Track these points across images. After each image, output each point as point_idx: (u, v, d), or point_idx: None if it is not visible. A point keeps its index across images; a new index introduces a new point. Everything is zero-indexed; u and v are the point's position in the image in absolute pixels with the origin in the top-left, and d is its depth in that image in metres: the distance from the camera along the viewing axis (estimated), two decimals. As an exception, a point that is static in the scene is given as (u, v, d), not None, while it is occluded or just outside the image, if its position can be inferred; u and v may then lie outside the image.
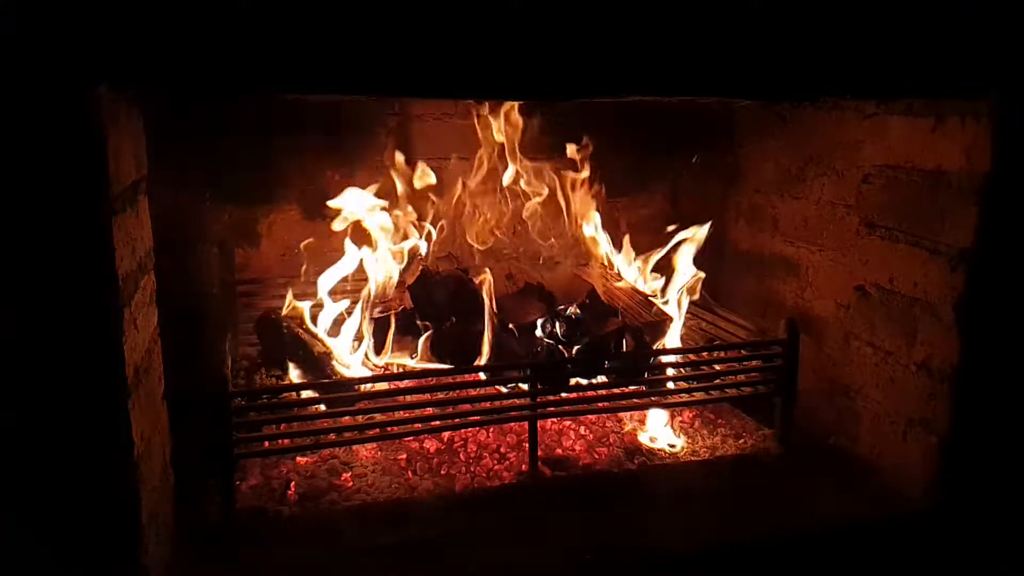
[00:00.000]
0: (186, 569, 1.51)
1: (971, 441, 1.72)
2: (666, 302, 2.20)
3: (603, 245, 2.38)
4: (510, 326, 2.03)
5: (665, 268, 2.31)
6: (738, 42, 1.42)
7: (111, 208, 1.21)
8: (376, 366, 2.07)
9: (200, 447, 1.64)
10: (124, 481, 1.29)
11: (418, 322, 2.04)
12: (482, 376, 1.90)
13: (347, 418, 1.75)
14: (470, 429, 1.97)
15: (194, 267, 1.96)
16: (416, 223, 2.29)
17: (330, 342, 2.05)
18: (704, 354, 2.09)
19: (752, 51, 1.43)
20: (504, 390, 1.91)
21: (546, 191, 2.35)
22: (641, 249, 2.39)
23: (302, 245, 2.18)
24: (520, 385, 1.88)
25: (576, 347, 2.00)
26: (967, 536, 1.73)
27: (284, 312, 2.06)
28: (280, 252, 2.32)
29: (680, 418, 2.20)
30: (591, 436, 2.07)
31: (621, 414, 2.13)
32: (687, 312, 2.21)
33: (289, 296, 2.09)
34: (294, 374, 1.96)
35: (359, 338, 2.07)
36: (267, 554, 1.57)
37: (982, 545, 1.73)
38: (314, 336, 2.05)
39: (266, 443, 1.73)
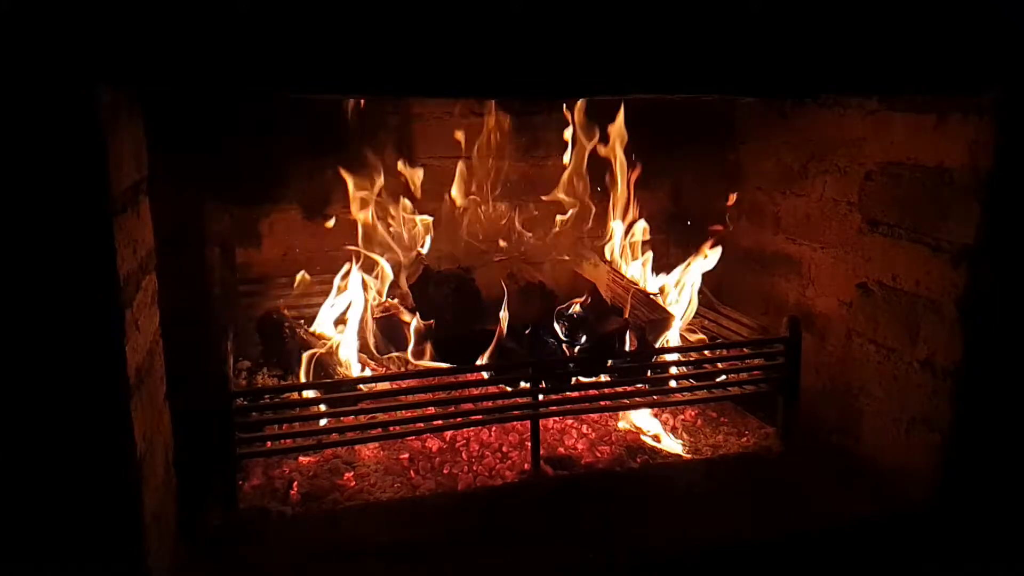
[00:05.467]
0: (189, 569, 1.51)
1: (974, 439, 1.72)
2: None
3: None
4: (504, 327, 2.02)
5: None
6: (739, 39, 1.42)
7: (112, 209, 1.21)
8: (378, 365, 2.07)
9: (202, 447, 1.64)
10: (127, 482, 1.29)
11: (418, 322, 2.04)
12: (484, 375, 1.90)
13: (349, 418, 1.75)
14: (472, 428, 1.97)
15: (195, 267, 1.95)
16: (416, 222, 2.29)
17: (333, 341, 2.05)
18: (706, 352, 2.08)
19: (753, 48, 1.43)
20: (507, 389, 1.91)
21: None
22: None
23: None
24: (522, 384, 1.87)
25: (578, 346, 2.00)
26: (970, 534, 1.73)
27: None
28: (281, 252, 2.33)
29: (683, 416, 2.20)
30: (593, 435, 2.07)
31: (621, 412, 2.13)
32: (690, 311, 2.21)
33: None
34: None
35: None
36: (270, 554, 1.57)
37: (985, 543, 1.73)
38: (316, 336, 2.05)
39: (268, 443, 1.73)
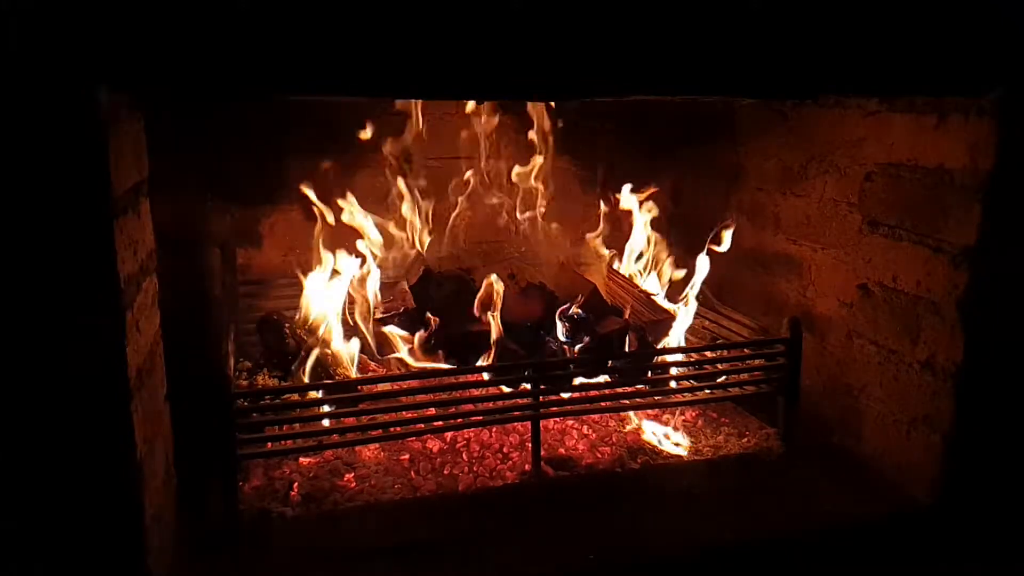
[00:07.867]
0: (190, 571, 1.51)
1: (975, 439, 1.72)
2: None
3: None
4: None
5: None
6: (739, 40, 1.41)
7: (112, 211, 1.21)
8: (378, 366, 2.07)
9: (202, 448, 1.64)
10: (127, 483, 1.29)
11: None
12: (485, 376, 1.90)
13: (350, 419, 1.75)
14: (473, 429, 1.97)
15: (196, 268, 1.96)
16: (415, 223, 2.30)
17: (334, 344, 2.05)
18: (707, 353, 2.08)
19: (753, 49, 1.43)
20: (507, 390, 1.91)
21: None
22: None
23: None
24: (523, 385, 1.87)
25: (579, 346, 2.00)
26: (971, 534, 1.73)
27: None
28: (282, 252, 2.33)
29: (683, 417, 2.20)
30: (594, 435, 2.07)
31: (622, 413, 2.13)
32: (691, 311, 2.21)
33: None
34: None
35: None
36: (270, 555, 1.57)
37: (986, 543, 1.73)
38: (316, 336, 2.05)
39: (268, 444, 1.73)
